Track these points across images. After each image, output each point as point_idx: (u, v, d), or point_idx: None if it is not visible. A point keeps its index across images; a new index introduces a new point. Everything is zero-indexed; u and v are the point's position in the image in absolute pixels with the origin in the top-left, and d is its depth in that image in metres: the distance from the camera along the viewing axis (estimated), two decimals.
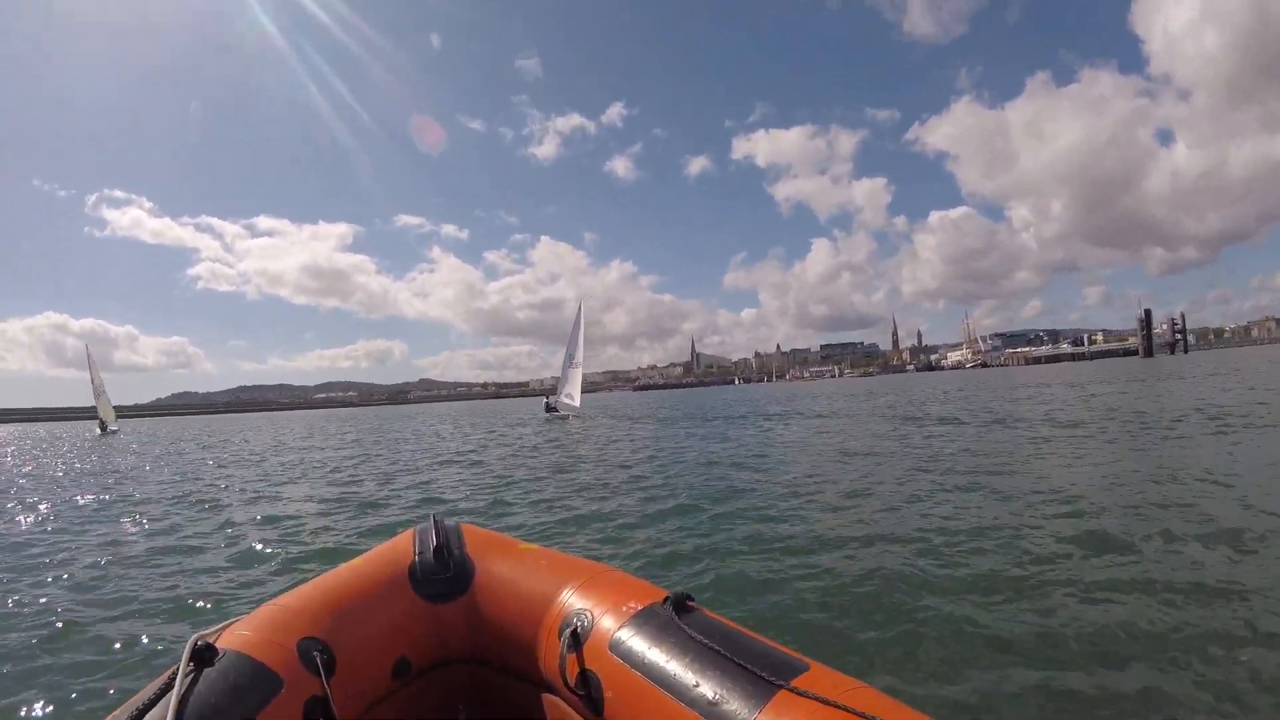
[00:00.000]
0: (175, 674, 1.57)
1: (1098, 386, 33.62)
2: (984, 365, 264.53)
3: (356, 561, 2.32)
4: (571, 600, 2.07)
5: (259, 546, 7.19)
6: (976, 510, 7.04)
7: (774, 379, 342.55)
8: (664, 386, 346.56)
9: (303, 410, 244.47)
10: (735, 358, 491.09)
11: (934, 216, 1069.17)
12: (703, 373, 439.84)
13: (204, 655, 1.64)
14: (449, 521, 2.50)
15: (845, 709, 1.38)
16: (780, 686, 1.49)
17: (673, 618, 1.81)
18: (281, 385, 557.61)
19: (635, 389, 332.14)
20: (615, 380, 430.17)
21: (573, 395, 38.66)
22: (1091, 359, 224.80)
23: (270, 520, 8.91)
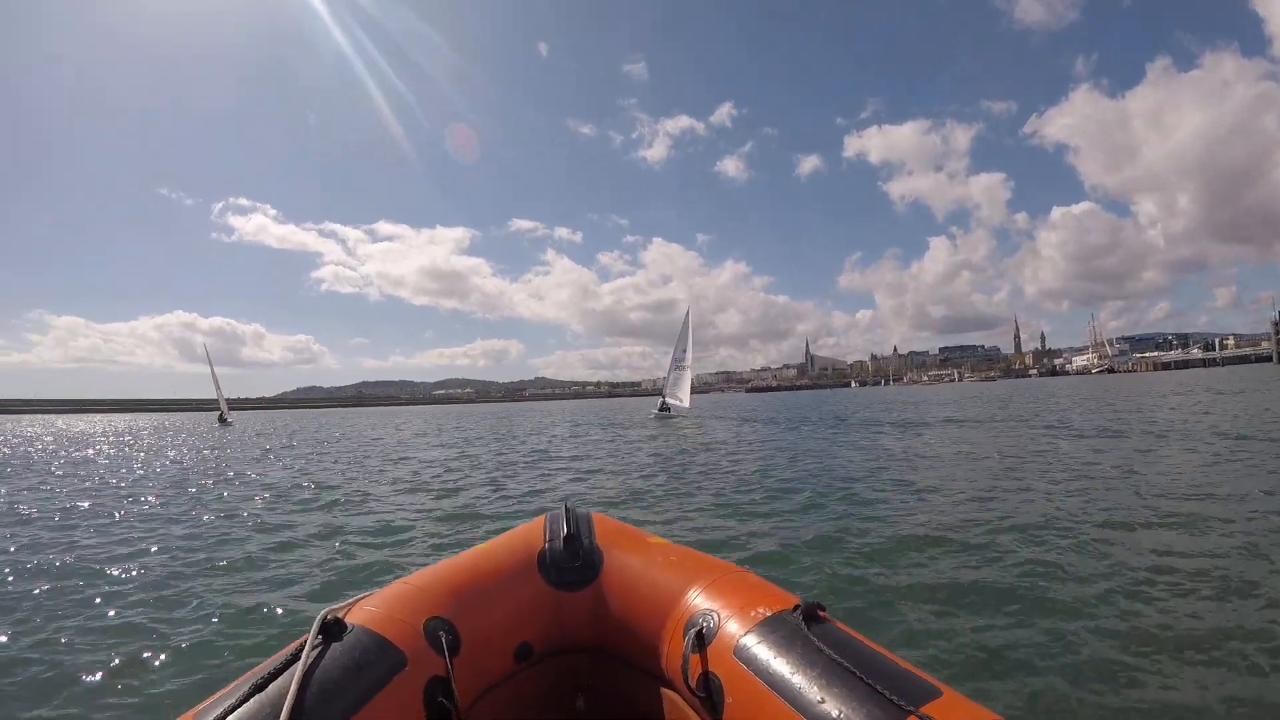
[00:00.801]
0: (303, 645, 1.61)
1: (1246, 396, 30.15)
2: (1110, 370, 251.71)
3: (487, 545, 2.35)
4: (698, 599, 2.01)
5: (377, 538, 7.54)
6: (1185, 544, 5.93)
7: (891, 382, 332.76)
8: (777, 388, 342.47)
9: (421, 405, 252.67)
10: (850, 360, 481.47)
11: (1056, 213, 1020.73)
12: (817, 375, 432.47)
13: (332, 629, 1.69)
14: (580, 510, 2.48)
15: None
16: (909, 712, 1.42)
17: (801, 627, 1.74)
18: (402, 382, 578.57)
19: (748, 390, 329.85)
20: (728, 381, 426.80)
21: (681, 397, 38.43)
22: (1223, 365, 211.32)
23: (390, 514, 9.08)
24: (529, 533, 2.39)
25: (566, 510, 2.44)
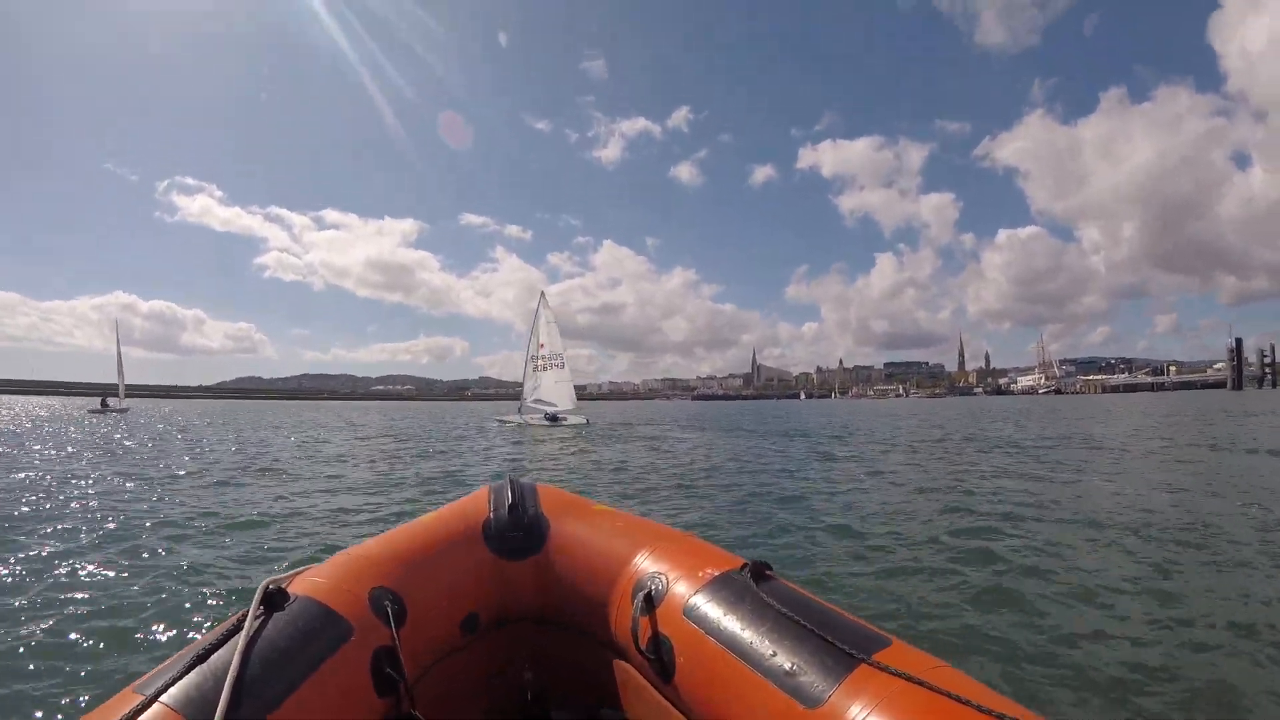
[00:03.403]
0: (245, 617, 1.60)
1: (1231, 422, 27.59)
2: (1058, 391, 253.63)
3: (430, 516, 2.35)
4: (645, 563, 2.06)
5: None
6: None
7: (837, 395, 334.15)
8: (724, 397, 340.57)
9: (359, 400, 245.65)
10: (796, 371, 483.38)
11: (1002, 235, 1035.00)
12: (763, 385, 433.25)
13: (275, 599, 1.69)
14: (524, 481, 2.50)
15: (928, 686, 1.35)
16: (861, 660, 1.46)
17: (750, 585, 1.79)
18: (343, 375, 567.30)
19: (694, 398, 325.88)
20: (674, 388, 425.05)
21: (556, 400, 33.60)
22: (1172, 389, 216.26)
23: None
24: (472, 503, 2.38)
25: (510, 481, 2.44)
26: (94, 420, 37.82)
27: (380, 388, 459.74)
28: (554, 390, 33.92)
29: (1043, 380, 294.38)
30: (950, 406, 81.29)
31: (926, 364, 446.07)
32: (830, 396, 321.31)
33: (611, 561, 2.13)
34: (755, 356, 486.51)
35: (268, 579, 1.73)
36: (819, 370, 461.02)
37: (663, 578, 1.95)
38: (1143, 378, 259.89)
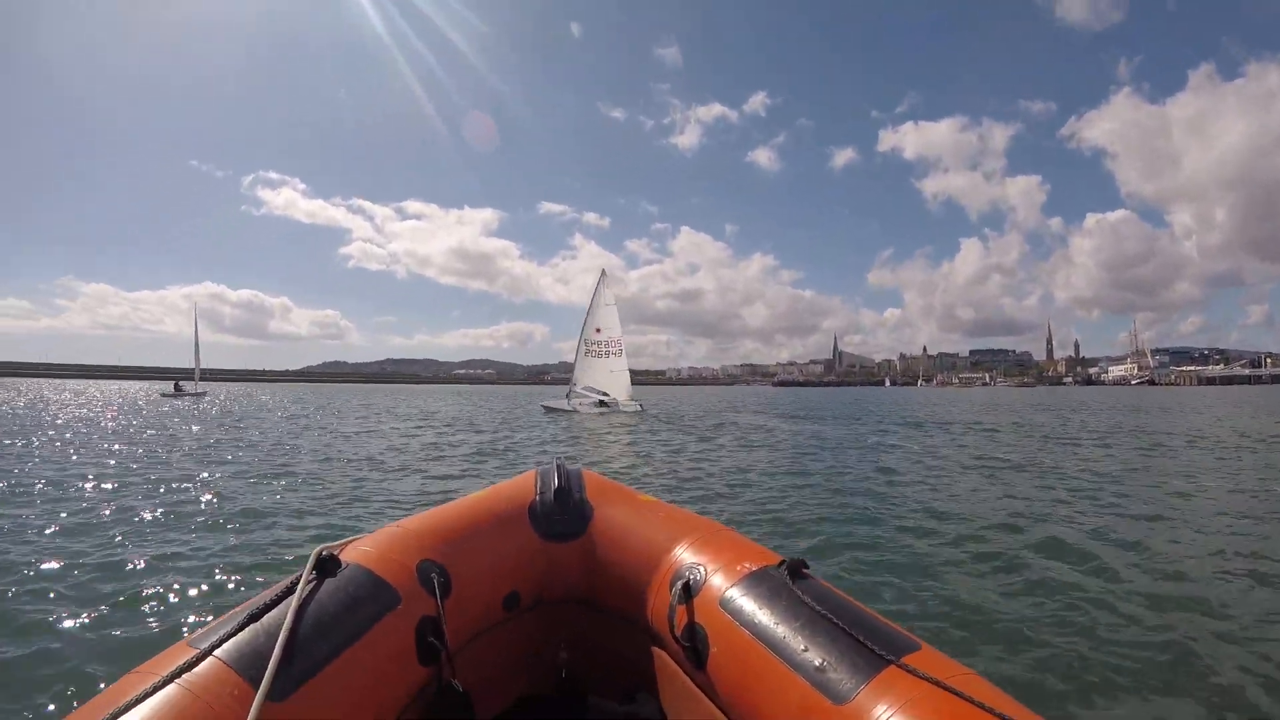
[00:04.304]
0: (298, 580, 1.67)
1: None
2: (1151, 382, 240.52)
3: (478, 495, 2.41)
4: (685, 553, 2.09)
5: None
6: None
7: (922, 383, 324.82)
8: (805, 384, 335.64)
9: (442, 384, 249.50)
10: (878, 358, 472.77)
11: (1091, 219, 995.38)
12: (844, 372, 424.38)
13: (327, 565, 1.76)
14: (571, 466, 2.53)
15: (953, 691, 1.38)
16: (890, 662, 1.49)
17: (786, 582, 1.82)
18: (427, 360, 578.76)
19: (775, 384, 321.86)
20: (754, 375, 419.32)
21: (608, 388, 31.46)
22: (1270, 382, 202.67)
23: None
24: (520, 485, 2.44)
25: (557, 464, 2.48)
26: (158, 404, 37.53)
27: (462, 372, 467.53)
28: (609, 380, 31.96)
29: (1135, 370, 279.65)
30: (1043, 397, 76.95)
31: (1013, 352, 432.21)
32: (915, 384, 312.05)
33: (652, 549, 2.16)
34: (837, 342, 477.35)
35: (320, 546, 1.79)
36: (901, 357, 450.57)
37: (701, 568, 1.98)
38: (1239, 369, 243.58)
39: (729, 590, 1.86)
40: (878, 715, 1.39)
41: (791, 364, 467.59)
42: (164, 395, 46.97)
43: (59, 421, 21.24)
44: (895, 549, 6.17)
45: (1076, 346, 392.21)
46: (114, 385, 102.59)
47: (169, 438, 16.62)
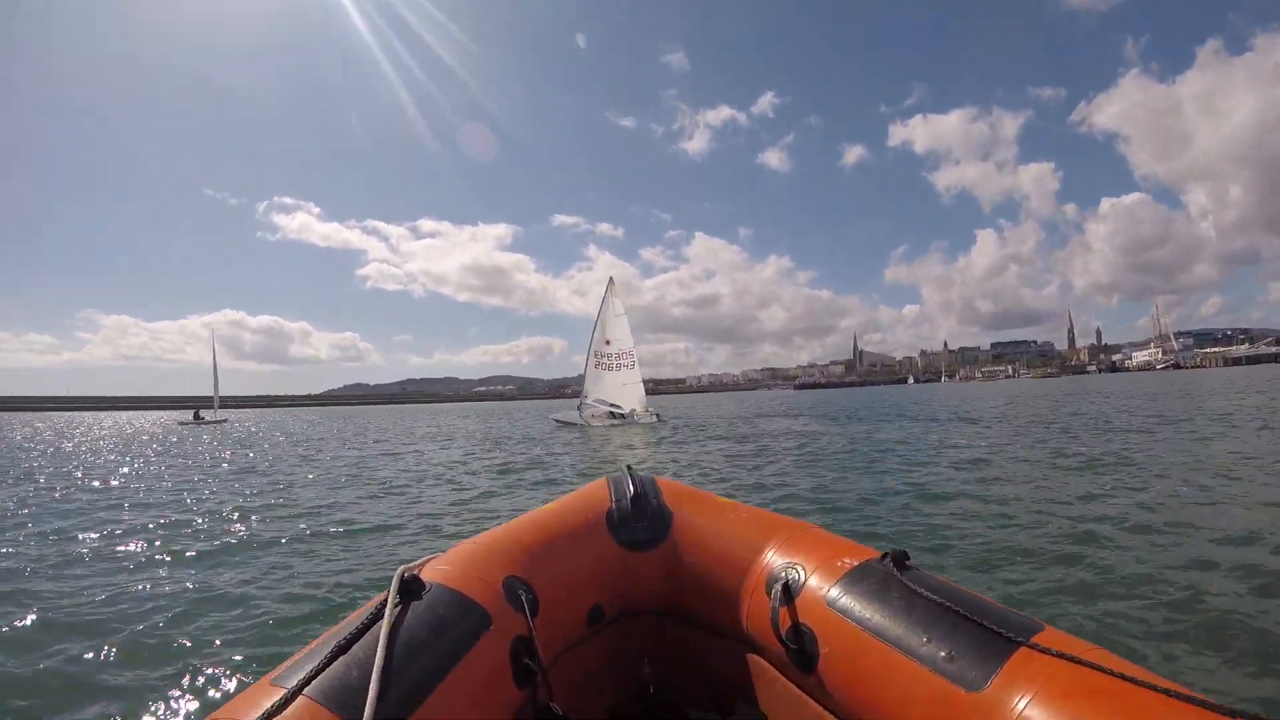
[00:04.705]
0: (384, 604, 1.57)
1: None
2: (1176, 366, 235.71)
3: (553, 506, 2.33)
4: (777, 555, 2.02)
5: None
6: None
7: (945, 379, 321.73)
8: (827, 385, 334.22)
9: (460, 402, 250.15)
10: (899, 356, 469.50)
11: (1106, 204, 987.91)
12: (866, 371, 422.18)
13: (411, 587, 1.66)
14: (643, 474, 2.45)
15: (1091, 666, 1.35)
16: (1020, 644, 1.46)
17: (893, 573, 1.76)
18: (447, 379, 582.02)
19: (796, 387, 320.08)
20: (774, 378, 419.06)
21: (621, 401, 30.01)
22: None
23: None
24: (594, 493, 2.35)
25: (629, 472, 2.41)
26: (177, 434, 36.40)
27: (482, 389, 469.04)
28: (620, 394, 30.50)
29: (1160, 355, 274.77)
30: (1071, 387, 75.22)
31: (1034, 343, 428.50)
32: (938, 381, 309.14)
33: (740, 553, 2.08)
34: (856, 342, 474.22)
35: (402, 566, 1.69)
36: (923, 353, 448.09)
37: (799, 568, 1.90)
38: (1265, 348, 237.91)
39: (833, 588, 1.78)
40: (1016, 699, 1.34)
41: (812, 365, 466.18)
42: (182, 424, 46.64)
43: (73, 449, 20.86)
44: (1025, 547, 5.80)
45: (1099, 334, 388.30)
46: (140, 416, 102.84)
47: (197, 464, 16.40)
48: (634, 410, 30.03)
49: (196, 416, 47.44)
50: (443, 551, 1.94)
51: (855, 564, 1.84)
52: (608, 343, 31.21)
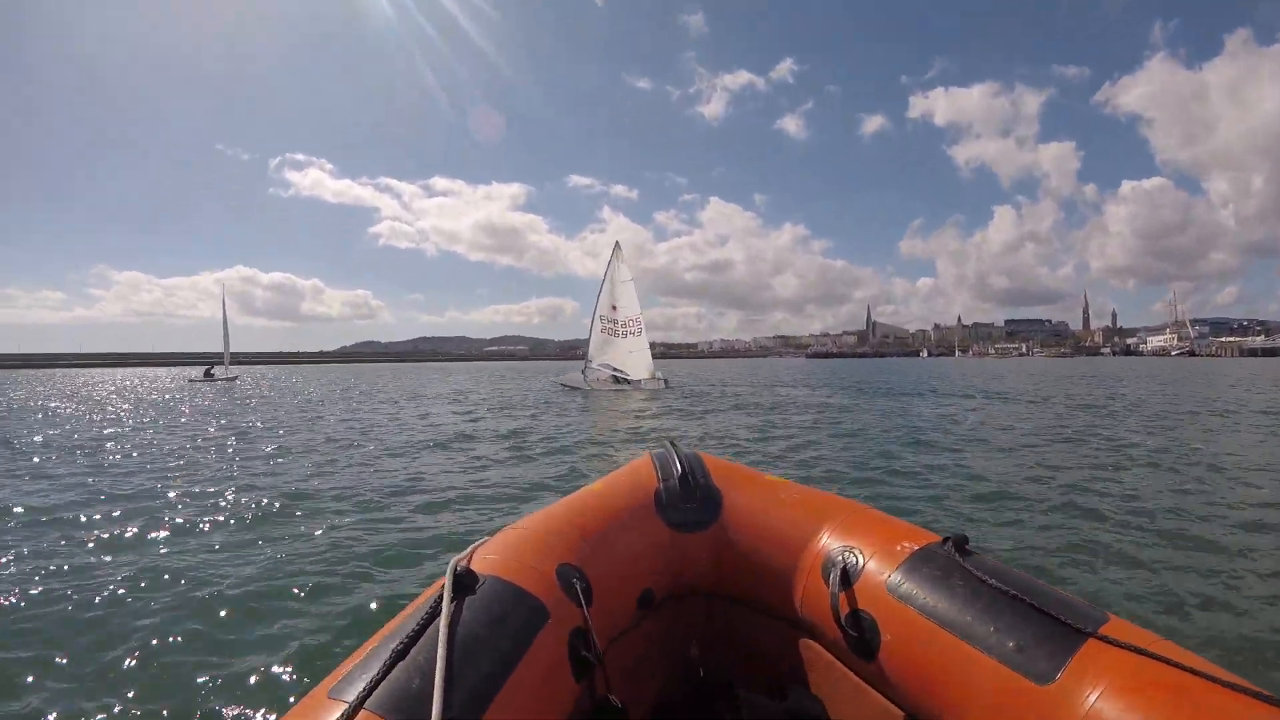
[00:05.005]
0: (438, 600, 1.47)
1: None
2: (1191, 353, 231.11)
3: (598, 486, 2.23)
4: (832, 537, 1.95)
5: None
6: None
7: (958, 354, 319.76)
8: (839, 355, 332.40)
9: (473, 361, 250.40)
10: (912, 328, 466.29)
11: (1126, 186, 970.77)
12: (878, 343, 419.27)
13: (465, 581, 1.57)
14: (687, 449, 2.34)
15: (1161, 659, 1.32)
16: (1088, 635, 1.42)
17: (956, 559, 1.70)
18: (459, 338, 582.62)
19: (808, 356, 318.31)
20: (786, 346, 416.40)
21: (629, 368, 29.23)
22: None
23: None
24: (639, 473, 2.26)
25: (673, 448, 2.31)
26: (186, 392, 35.69)
27: (494, 349, 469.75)
28: (626, 360, 29.93)
29: (1175, 341, 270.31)
30: (1087, 368, 74.58)
31: (1049, 322, 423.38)
32: (951, 355, 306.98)
33: (794, 534, 2.01)
34: (870, 313, 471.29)
35: (454, 558, 1.63)
36: (936, 327, 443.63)
37: (857, 552, 1.84)
38: None
39: (894, 573, 1.72)
40: (1087, 692, 1.31)
41: (824, 335, 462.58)
42: (193, 381, 46.52)
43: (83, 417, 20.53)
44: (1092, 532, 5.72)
45: (1114, 316, 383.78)
46: (149, 372, 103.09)
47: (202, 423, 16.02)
48: (641, 378, 29.42)
49: (208, 374, 47.16)
50: (488, 536, 1.83)
51: (915, 548, 1.77)
52: (614, 308, 30.67)
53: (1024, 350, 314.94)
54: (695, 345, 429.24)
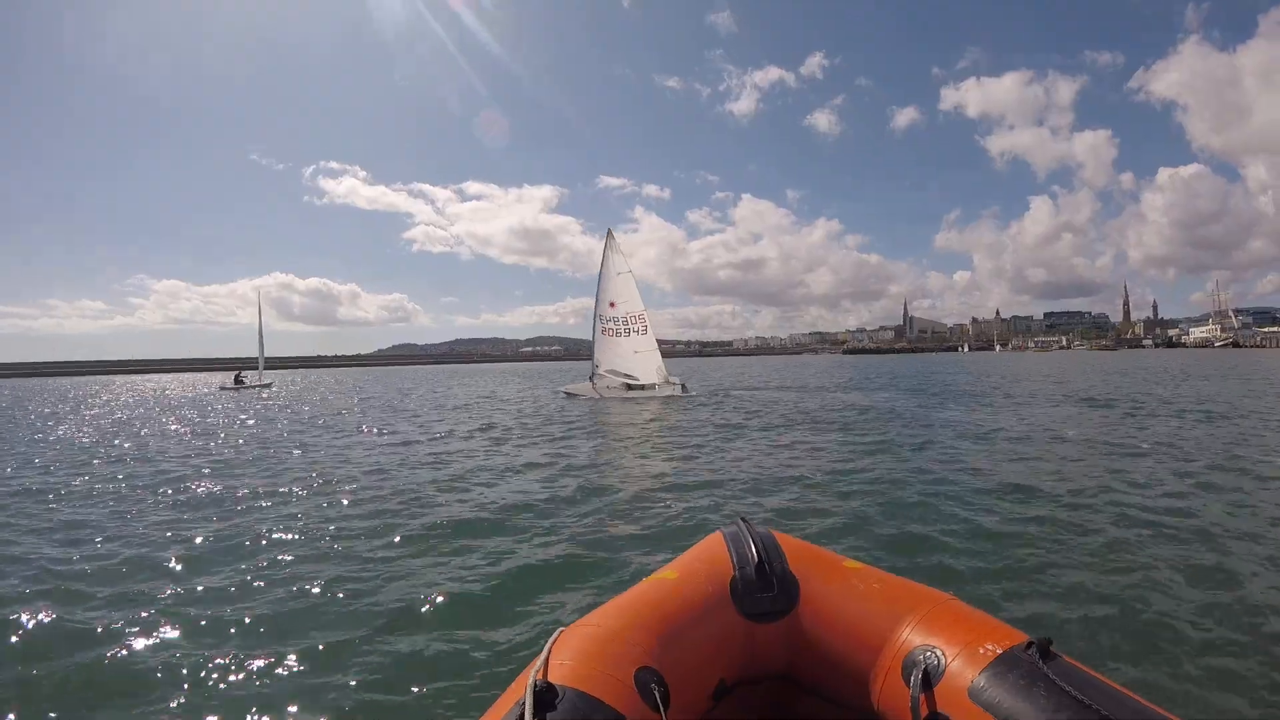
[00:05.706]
0: (521, 717, 1.46)
1: None
2: (1235, 345, 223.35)
3: (673, 575, 2.18)
4: (913, 632, 1.89)
5: None
6: None
7: (996, 348, 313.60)
8: (876, 351, 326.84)
9: (507, 362, 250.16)
10: (949, 323, 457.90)
11: (1163, 174, 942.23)
12: (915, 338, 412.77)
13: (545, 698, 1.52)
14: (760, 528, 2.31)
15: None
16: None
17: (1040, 665, 1.64)
18: (494, 339, 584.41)
19: (845, 352, 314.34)
20: (822, 342, 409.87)
21: (634, 370, 26.94)
22: None
23: None
24: (713, 557, 2.21)
25: (746, 528, 2.27)
26: (211, 401, 34.04)
27: (529, 349, 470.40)
28: (633, 363, 27.54)
29: (1219, 332, 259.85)
30: (1133, 360, 71.74)
31: (1088, 314, 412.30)
32: (990, 349, 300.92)
33: (873, 628, 1.95)
34: (907, 307, 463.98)
35: (532, 672, 1.58)
36: (974, 321, 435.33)
37: (938, 652, 1.77)
38: None
39: (977, 678, 1.66)
40: None
41: (861, 330, 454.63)
42: (223, 389, 45.34)
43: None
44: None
45: (1155, 307, 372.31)
46: (188, 377, 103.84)
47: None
48: (654, 383, 27.17)
49: (238, 380, 46.20)
50: (562, 628, 1.82)
51: (999, 651, 1.69)
52: (611, 305, 28.07)
53: (1064, 343, 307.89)
54: (731, 343, 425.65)
